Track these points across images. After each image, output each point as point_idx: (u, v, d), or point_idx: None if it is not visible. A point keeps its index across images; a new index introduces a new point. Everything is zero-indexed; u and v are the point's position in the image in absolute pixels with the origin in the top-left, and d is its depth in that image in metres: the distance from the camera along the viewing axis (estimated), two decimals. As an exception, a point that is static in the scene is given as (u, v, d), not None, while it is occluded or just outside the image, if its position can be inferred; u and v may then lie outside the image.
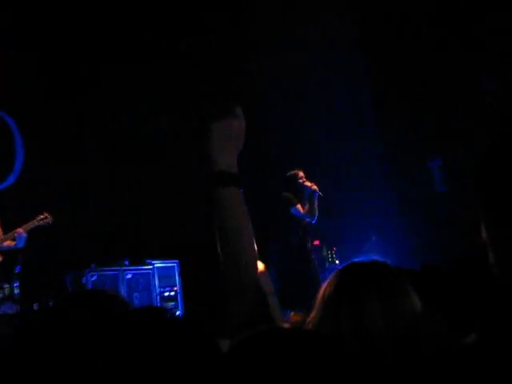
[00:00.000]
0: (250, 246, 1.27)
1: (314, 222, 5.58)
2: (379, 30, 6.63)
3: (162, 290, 6.11)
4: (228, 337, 1.19)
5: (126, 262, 6.05)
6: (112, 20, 6.26)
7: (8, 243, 5.22)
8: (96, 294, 1.18)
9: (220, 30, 6.52)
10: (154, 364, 0.78)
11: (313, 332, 1.06)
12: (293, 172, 5.66)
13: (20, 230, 5.20)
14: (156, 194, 6.52)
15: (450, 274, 1.42)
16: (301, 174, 5.64)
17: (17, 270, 5.19)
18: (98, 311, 1.04)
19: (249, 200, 1.29)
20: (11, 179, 6.01)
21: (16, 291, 5.13)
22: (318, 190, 5.54)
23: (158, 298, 6.03)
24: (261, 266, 1.55)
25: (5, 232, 5.26)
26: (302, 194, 5.56)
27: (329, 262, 6.56)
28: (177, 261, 6.31)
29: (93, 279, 5.67)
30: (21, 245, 5.20)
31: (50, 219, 5.41)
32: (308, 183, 5.56)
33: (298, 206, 5.53)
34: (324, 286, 1.23)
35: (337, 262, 6.52)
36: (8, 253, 5.23)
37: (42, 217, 5.38)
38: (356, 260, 1.26)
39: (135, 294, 5.88)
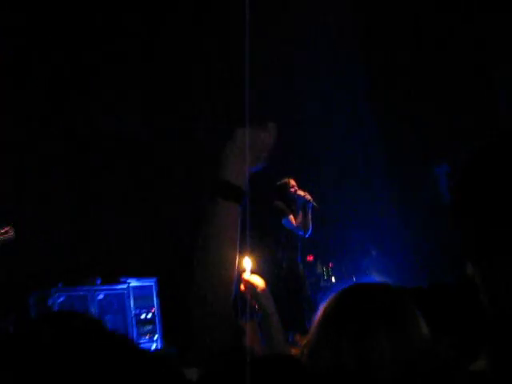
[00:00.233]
0: (227, 278, 1.27)
1: (307, 235, 5.50)
2: (379, 30, 6.73)
3: (137, 311, 6.02)
4: (196, 365, 1.19)
5: (98, 281, 5.98)
6: (112, 20, 6.35)
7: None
8: (64, 316, 1.16)
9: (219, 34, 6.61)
10: None
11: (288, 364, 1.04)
12: (283, 181, 5.58)
13: (-23, 245, 5.16)
14: (132, 205, 6.49)
15: (459, 294, 1.42)
16: (292, 182, 5.56)
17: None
18: (65, 338, 1.02)
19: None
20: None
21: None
22: (311, 200, 5.46)
23: (134, 321, 5.95)
24: (261, 284, 1.54)
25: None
26: (294, 204, 5.51)
27: (324, 279, 6.48)
28: (154, 279, 6.25)
29: (60, 300, 5.57)
30: (-22, 262, 5.14)
31: (12, 234, 5.35)
32: (301, 192, 5.49)
33: (291, 217, 5.46)
34: (323, 308, 1.21)
35: (333, 279, 6.45)
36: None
37: (2, 231, 5.32)
38: (359, 282, 1.25)
39: (108, 317, 5.80)
